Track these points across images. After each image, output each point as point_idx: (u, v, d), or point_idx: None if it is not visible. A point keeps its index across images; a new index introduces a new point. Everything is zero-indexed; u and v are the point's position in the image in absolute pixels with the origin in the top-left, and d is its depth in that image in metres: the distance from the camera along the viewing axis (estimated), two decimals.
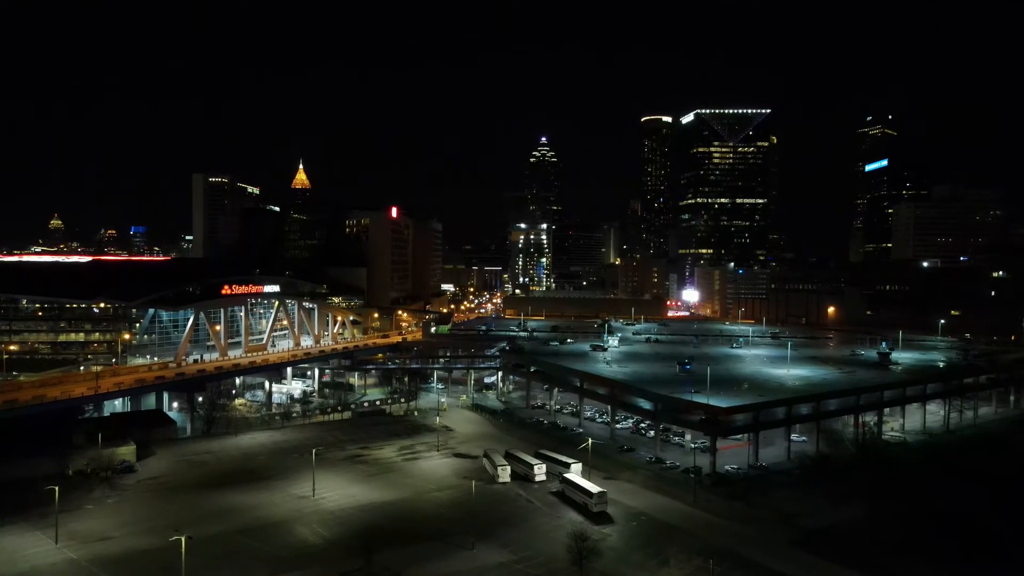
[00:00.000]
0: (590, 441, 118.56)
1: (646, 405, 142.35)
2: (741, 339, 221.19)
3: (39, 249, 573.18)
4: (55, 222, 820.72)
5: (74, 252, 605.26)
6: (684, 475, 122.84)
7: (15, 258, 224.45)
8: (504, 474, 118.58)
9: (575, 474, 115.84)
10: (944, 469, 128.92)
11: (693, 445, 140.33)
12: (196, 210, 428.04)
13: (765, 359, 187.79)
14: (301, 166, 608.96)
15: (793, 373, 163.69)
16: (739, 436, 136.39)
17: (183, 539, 78.85)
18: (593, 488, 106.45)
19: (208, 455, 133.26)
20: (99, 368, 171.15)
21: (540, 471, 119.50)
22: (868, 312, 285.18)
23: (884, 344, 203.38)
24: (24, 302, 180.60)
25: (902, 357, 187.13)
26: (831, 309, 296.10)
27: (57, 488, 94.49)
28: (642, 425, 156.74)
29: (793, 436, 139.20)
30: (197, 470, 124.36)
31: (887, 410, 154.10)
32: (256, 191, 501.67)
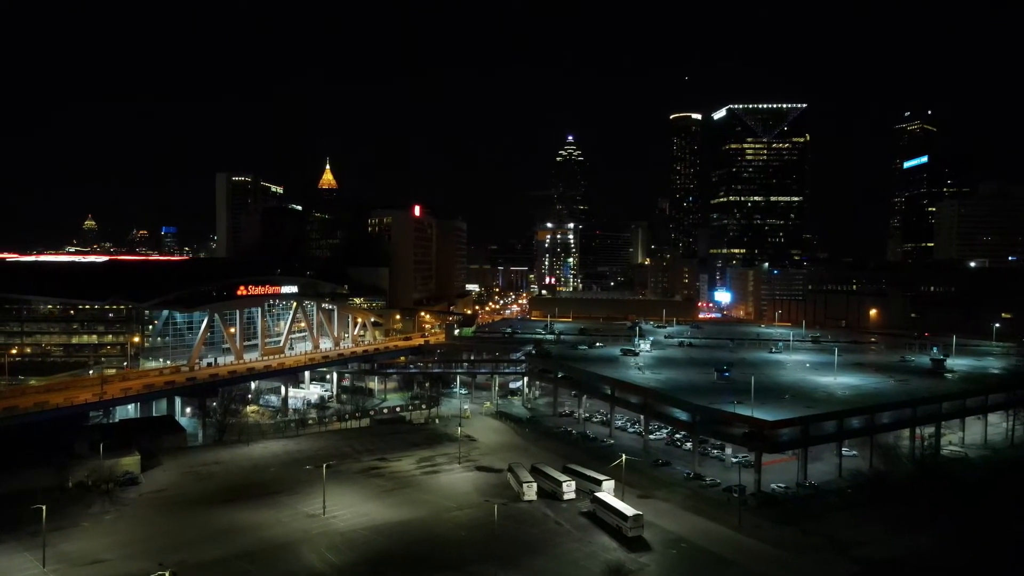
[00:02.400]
0: (624, 458, 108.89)
1: (683, 416, 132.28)
2: (780, 343, 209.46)
3: (73, 249, 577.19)
4: (88, 223, 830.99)
5: (106, 252, 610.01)
6: (726, 494, 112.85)
7: (32, 258, 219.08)
8: (530, 492, 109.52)
9: (607, 493, 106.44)
10: (1014, 488, 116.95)
11: (734, 460, 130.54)
12: (220, 209, 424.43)
13: (808, 365, 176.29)
14: (328, 166, 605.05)
15: (840, 381, 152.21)
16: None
17: (168, 573, 70.84)
18: (628, 510, 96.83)
19: (217, 466, 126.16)
20: (113, 371, 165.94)
21: (569, 489, 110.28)
22: (913, 315, 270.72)
23: (935, 349, 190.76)
24: (37, 304, 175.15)
25: (956, 364, 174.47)
26: (873, 311, 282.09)
27: (44, 507, 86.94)
28: (677, 436, 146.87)
29: (842, 450, 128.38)
30: (204, 483, 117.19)
31: (943, 422, 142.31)
32: (280, 190, 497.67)
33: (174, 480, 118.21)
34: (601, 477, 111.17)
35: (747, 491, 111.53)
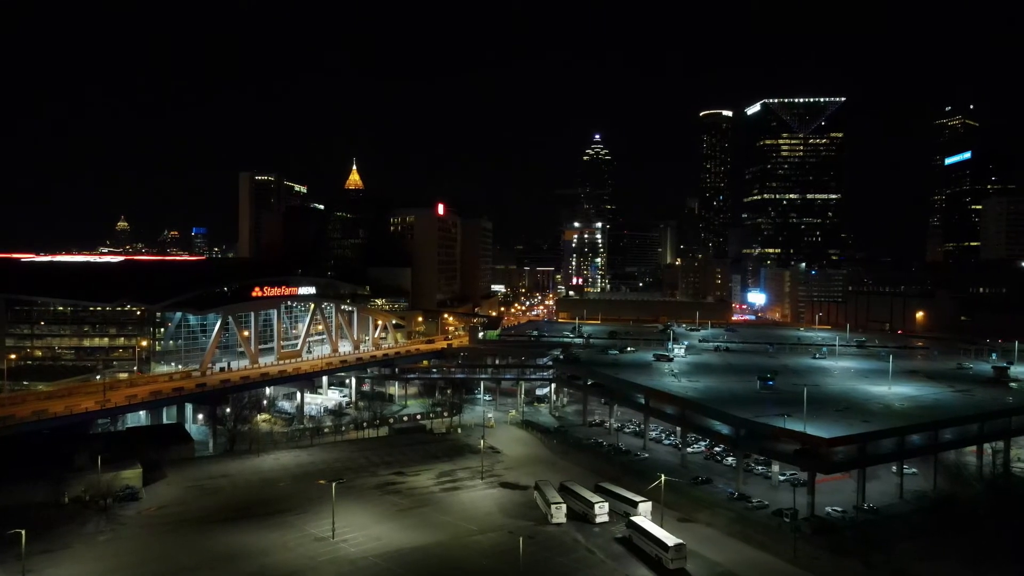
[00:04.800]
0: (663, 478, 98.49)
1: (725, 430, 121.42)
2: (824, 349, 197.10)
3: (106, 250, 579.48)
4: (121, 224, 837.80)
5: (138, 252, 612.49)
6: (776, 519, 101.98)
7: (47, 258, 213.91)
8: (559, 514, 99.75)
9: (644, 517, 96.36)
10: None
11: (781, 477, 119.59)
12: (243, 209, 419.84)
13: (855, 373, 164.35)
14: (355, 167, 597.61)
15: (896, 392, 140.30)
16: None
17: None
18: (669, 539, 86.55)
19: (224, 479, 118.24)
20: (125, 375, 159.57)
21: (601, 510, 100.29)
22: (963, 318, 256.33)
23: (994, 356, 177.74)
24: (48, 305, 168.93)
25: (1019, 372, 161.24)
26: (919, 314, 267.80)
27: (24, 531, 79.11)
28: (716, 449, 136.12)
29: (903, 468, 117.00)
30: (208, 499, 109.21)
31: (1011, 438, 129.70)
32: (304, 189, 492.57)
33: (177, 495, 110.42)
34: (637, 498, 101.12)
35: (799, 515, 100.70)
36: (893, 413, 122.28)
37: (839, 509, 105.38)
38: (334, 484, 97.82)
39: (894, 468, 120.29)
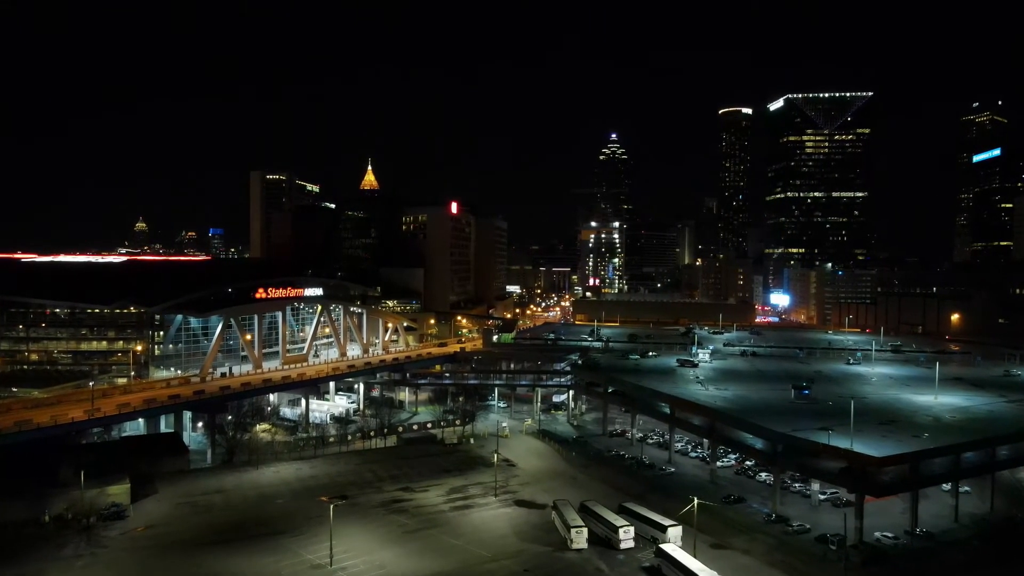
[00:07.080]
0: (695, 502, 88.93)
1: (760, 444, 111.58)
2: (859, 353, 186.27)
3: (124, 251, 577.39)
4: (140, 225, 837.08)
5: (156, 253, 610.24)
6: (821, 545, 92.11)
7: (49, 258, 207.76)
8: (579, 539, 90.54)
9: (674, 544, 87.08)
10: None
11: (822, 496, 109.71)
12: (254, 208, 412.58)
13: (895, 380, 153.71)
14: (370, 167, 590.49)
15: (943, 402, 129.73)
16: None
17: None
18: (704, 572, 77.14)
19: (218, 495, 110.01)
20: (124, 380, 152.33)
21: (626, 535, 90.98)
22: (1001, 320, 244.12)
23: None
24: (45, 307, 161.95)
25: None
26: (954, 316, 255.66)
27: None
28: (748, 463, 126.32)
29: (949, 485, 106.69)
30: (200, 517, 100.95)
31: None
32: (316, 189, 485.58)
33: (167, 513, 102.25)
34: (666, 522, 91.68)
35: (846, 541, 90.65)
36: (945, 427, 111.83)
37: (890, 535, 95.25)
38: (332, 506, 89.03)
39: (946, 487, 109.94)
